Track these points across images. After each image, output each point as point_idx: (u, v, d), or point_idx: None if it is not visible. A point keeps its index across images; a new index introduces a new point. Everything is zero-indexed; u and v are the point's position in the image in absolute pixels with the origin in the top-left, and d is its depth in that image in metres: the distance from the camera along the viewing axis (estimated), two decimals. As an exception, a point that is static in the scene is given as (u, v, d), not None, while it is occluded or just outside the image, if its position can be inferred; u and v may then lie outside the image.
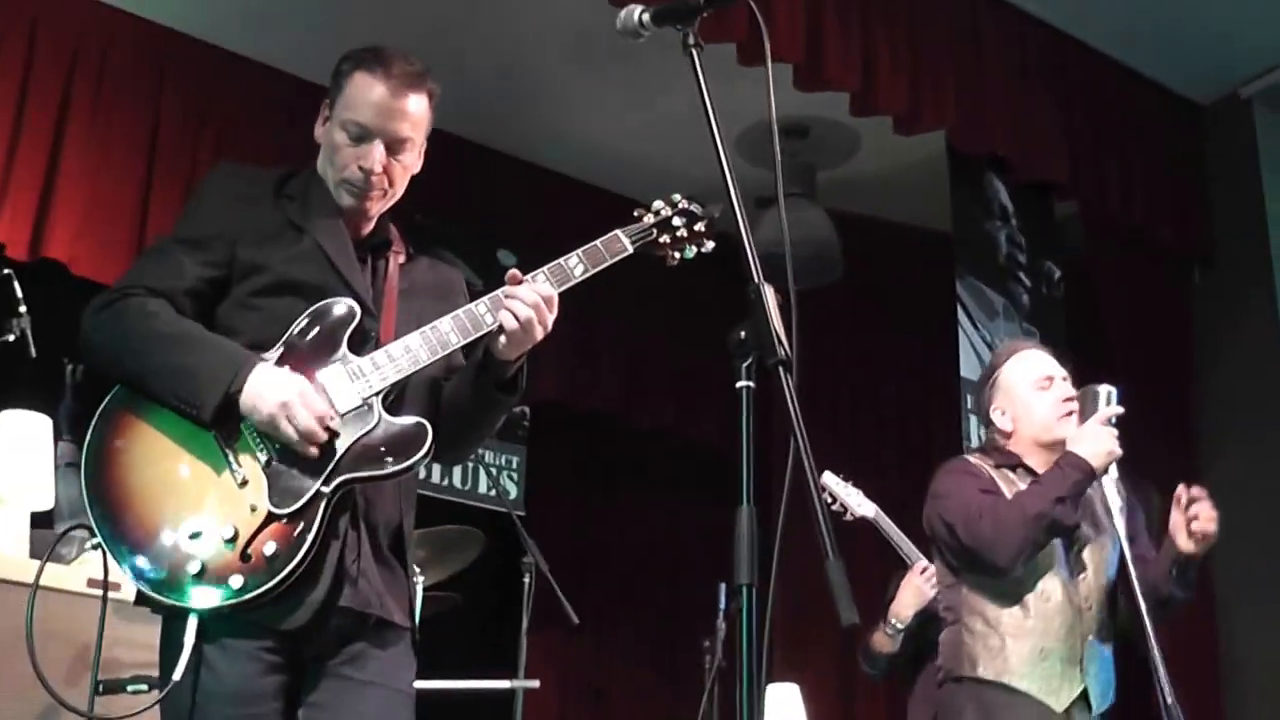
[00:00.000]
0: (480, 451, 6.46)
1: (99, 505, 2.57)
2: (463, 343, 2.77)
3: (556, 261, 2.92)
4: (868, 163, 7.36)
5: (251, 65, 6.68)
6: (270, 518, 2.56)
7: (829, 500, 5.05)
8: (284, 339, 2.71)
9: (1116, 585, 3.83)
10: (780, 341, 2.12)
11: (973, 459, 4.00)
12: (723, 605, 5.70)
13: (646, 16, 2.54)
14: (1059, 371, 3.98)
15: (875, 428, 7.85)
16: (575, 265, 2.94)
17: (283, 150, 6.15)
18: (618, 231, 3.03)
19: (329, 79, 2.95)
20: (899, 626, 4.98)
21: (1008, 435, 3.98)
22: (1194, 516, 3.70)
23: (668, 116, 6.49)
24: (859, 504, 5.10)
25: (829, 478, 5.10)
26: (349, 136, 2.86)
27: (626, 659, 8.12)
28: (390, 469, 2.64)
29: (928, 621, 4.85)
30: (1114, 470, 3.72)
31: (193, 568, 2.50)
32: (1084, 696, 3.70)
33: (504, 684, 5.12)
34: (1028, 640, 3.69)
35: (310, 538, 2.56)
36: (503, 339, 2.77)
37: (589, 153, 7.51)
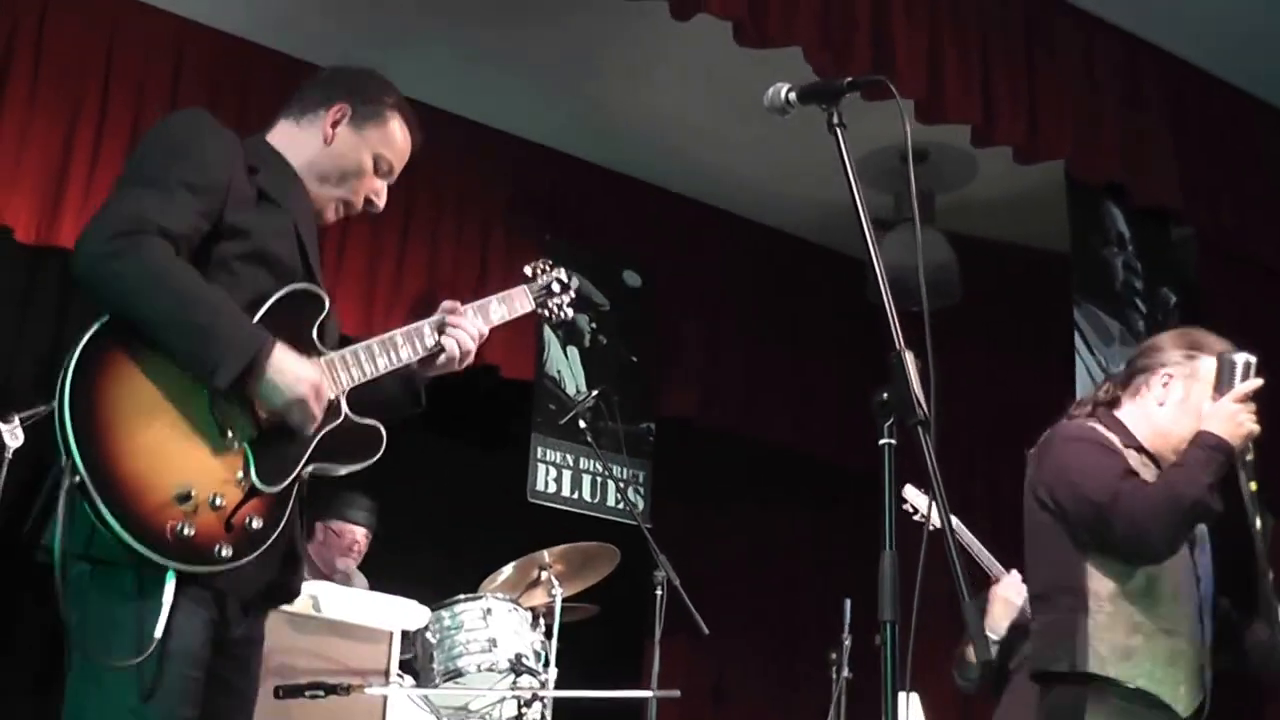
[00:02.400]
0: (609, 466, 6.77)
1: (88, 446, 2.50)
2: (410, 360, 3.04)
3: (480, 303, 3.22)
4: (986, 186, 7.51)
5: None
6: (253, 492, 2.66)
7: (910, 510, 5.16)
8: (262, 313, 2.76)
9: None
10: (919, 404, 2.37)
11: (1099, 428, 3.65)
12: (848, 619, 5.90)
13: (793, 95, 2.74)
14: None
15: (988, 450, 8.02)
16: (496, 309, 3.25)
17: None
18: (523, 288, 3.37)
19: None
20: (993, 639, 4.97)
21: (1160, 405, 3.66)
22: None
23: (790, 141, 6.67)
24: (935, 519, 5.21)
25: (910, 490, 5.13)
26: (375, 169, 3.09)
27: (747, 667, 8.36)
28: (350, 465, 2.90)
29: (1016, 631, 4.93)
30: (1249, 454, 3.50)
31: (186, 530, 2.53)
32: (1203, 706, 3.50)
33: (645, 694, 5.34)
34: (1163, 641, 3.46)
35: (285, 516, 2.71)
36: (441, 359, 3.09)
37: (713, 178, 7.77)
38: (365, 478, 6.46)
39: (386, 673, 4.46)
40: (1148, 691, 3.42)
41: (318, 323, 2.86)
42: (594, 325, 7.53)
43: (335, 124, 3.03)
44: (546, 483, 7.19)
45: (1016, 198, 7.42)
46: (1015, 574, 4.86)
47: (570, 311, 3.47)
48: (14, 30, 6.06)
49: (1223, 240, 6.89)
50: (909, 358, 2.43)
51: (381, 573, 6.30)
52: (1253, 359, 3.55)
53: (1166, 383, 3.68)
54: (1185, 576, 3.55)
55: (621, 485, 7.15)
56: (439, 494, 7.33)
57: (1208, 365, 3.64)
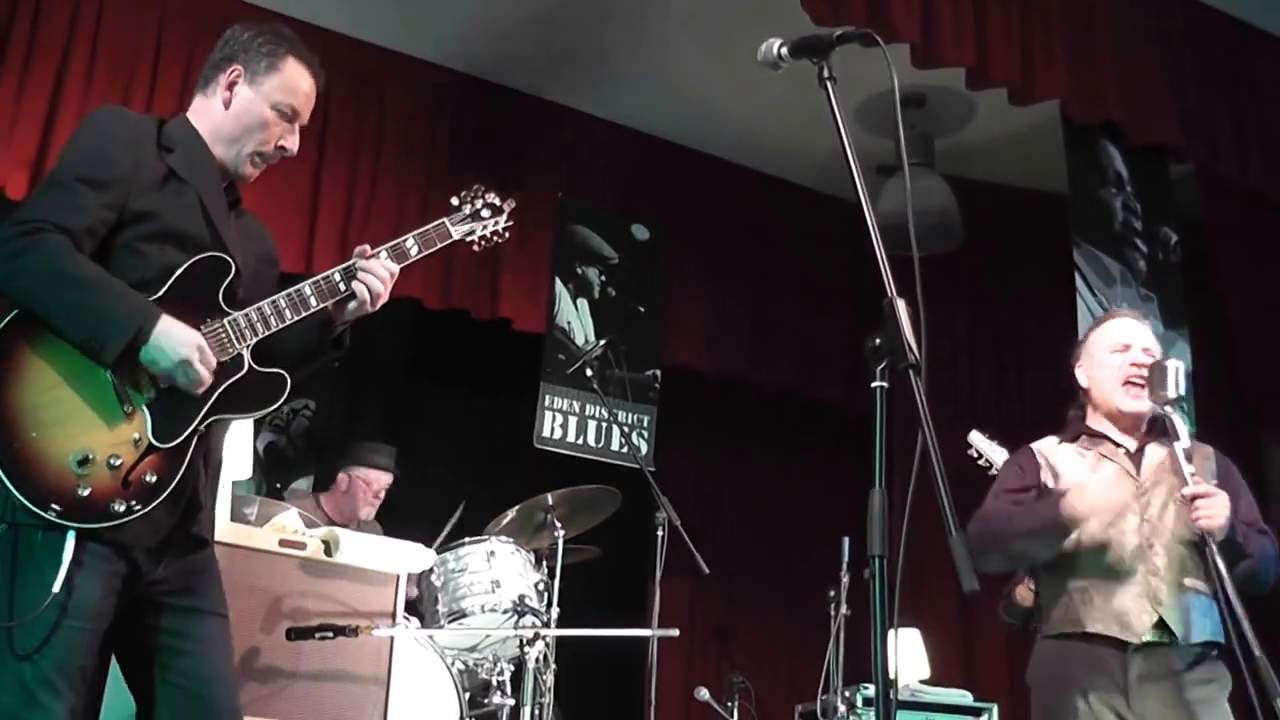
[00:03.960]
0: (614, 411, 6.87)
1: None
2: (319, 307, 3.15)
3: (394, 243, 3.29)
4: (984, 128, 7.56)
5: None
6: (150, 449, 2.89)
7: (975, 455, 5.27)
8: (168, 286, 2.98)
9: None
10: (911, 349, 2.46)
11: (1043, 443, 4.19)
12: (846, 558, 6.02)
13: (785, 50, 2.82)
14: (1141, 341, 4.09)
15: (995, 391, 8.11)
16: (411, 246, 3.31)
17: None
18: (445, 220, 3.40)
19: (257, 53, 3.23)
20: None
21: (1085, 390, 4.16)
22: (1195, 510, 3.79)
23: (797, 94, 6.70)
24: (1003, 460, 5.31)
25: (976, 436, 5.24)
26: (280, 116, 3.22)
27: (751, 607, 8.49)
28: (253, 412, 3.09)
29: None
30: (1186, 440, 3.84)
31: (82, 490, 2.80)
32: (1164, 627, 3.82)
33: (644, 632, 5.43)
34: (1093, 589, 3.89)
35: (182, 469, 2.92)
36: (352, 304, 3.20)
37: (714, 127, 7.82)
38: (382, 426, 6.59)
39: (393, 615, 4.55)
40: (1090, 632, 3.87)
41: (223, 286, 3.07)
42: (604, 278, 7.66)
43: (231, 86, 3.21)
44: (553, 429, 7.30)
45: (1015, 139, 7.47)
46: None
47: (506, 234, 3.53)
48: (75, 12, 6.37)
49: (1223, 176, 6.89)
50: (901, 305, 2.50)
51: (393, 517, 6.42)
52: (1181, 365, 3.95)
53: (1083, 370, 4.20)
54: (1120, 528, 3.94)
55: (626, 430, 7.26)
56: (450, 443, 7.48)
57: (1093, 336, 4.20)
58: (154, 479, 2.89)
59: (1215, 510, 3.74)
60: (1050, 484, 4.06)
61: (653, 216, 7.88)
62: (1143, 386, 3.99)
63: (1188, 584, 3.89)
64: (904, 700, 5.91)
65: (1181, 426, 3.86)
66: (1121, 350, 4.07)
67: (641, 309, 7.75)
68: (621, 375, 6.69)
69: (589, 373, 6.18)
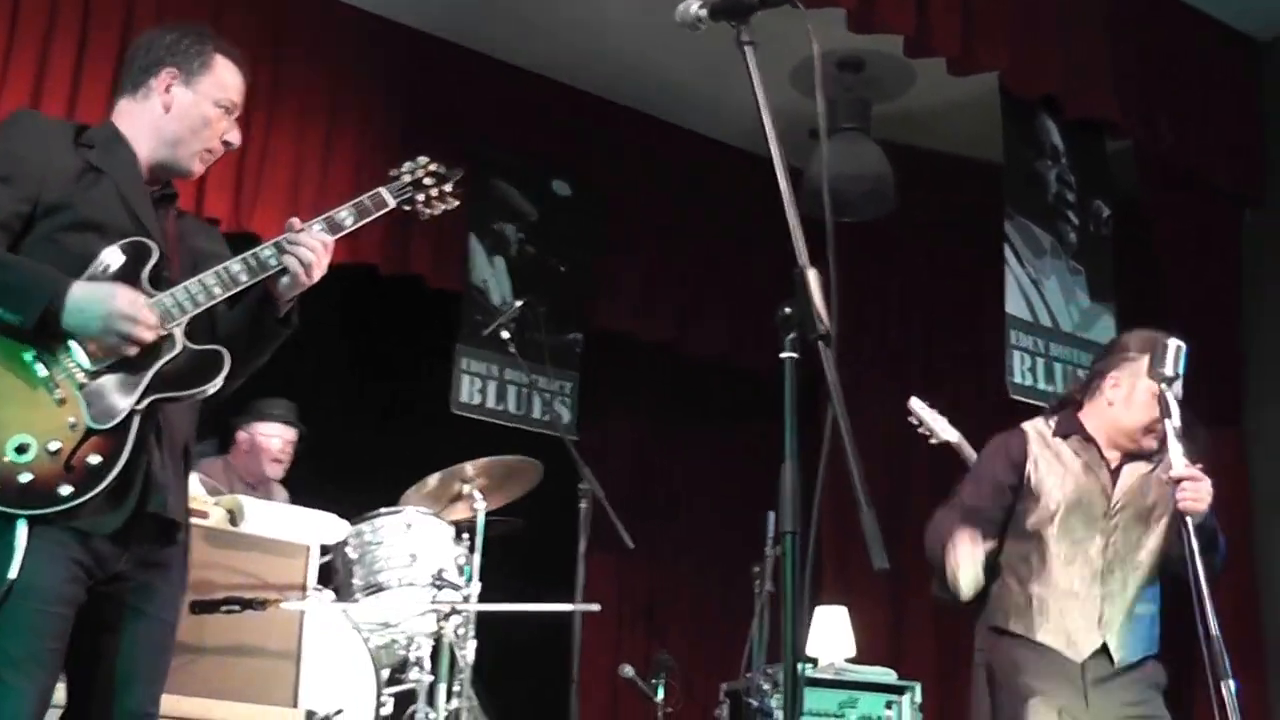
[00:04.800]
0: (533, 377, 6.85)
1: None
2: (251, 282, 3.19)
3: (328, 214, 3.34)
4: (923, 95, 7.60)
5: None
6: (90, 432, 2.93)
7: (915, 423, 5.32)
8: (88, 272, 3.03)
9: (1164, 540, 4.22)
10: (821, 319, 2.48)
11: (1037, 428, 4.38)
12: (771, 533, 6.06)
13: (703, 11, 2.82)
14: (1174, 390, 4.02)
15: (926, 357, 8.21)
16: (345, 217, 3.36)
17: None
18: (381, 189, 3.45)
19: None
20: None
21: (1110, 405, 4.26)
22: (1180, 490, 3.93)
23: (731, 50, 6.70)
24: (943, 429, 5.29)
25: (916, 403, 5.32)
26: (224, 113, 3.33)
27: (679, 582, 8.56)
28: (193, 390, 3.08)
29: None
30: (1178, 418, 3.94)
31: (23, 477, 2.85)
32: (1106, 651, 4.12)
33: (566, 607, 5.48)
34: (1050, 600, 4.14)
35: (127, 450, 2.95)
36: (285, 279, 3.22)
37: (644, 83, 7.79)
38: (284, 387, 6.53)
39: (304, 587, 4.55)
40: (1040, 642, 4.14)
41: (147, 270, 3.09)
42: (521, 235, 7.57)
43: (168, 89, 3.28)
44: (471, 394, 7.27)
45: (955, 107, 7.51)
46: None
47: (454, 202, 3.59)
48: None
49: (1160, 154, 7.00)
50: (812, 274, 2.52)
51: (302, 487, 6.38)
52: (1183, 346, 4.04)
53: (1115, 384, 4.28)
54: (1087, 538, 4.20)
55: (547, 397, 7.23)
56: (361, 406, 7.41)
57: (1143, 364, 4.17)
58: (98, 460, 2.92)
59: (1201, 494, 3.91)
60: (1032, 476, 4.27)
61: (575, 172, 7.82)
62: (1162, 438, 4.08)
63: (1139, 611, 4.18)
64: (827, 679, 5.97)
65: (1174, 406, 3.96)
66: (1158, 404, 4.04)
67: (563, 268, 7.71)
68: (542, 339, 6.63)
69: (506, 335, 6.17)
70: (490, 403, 7.34)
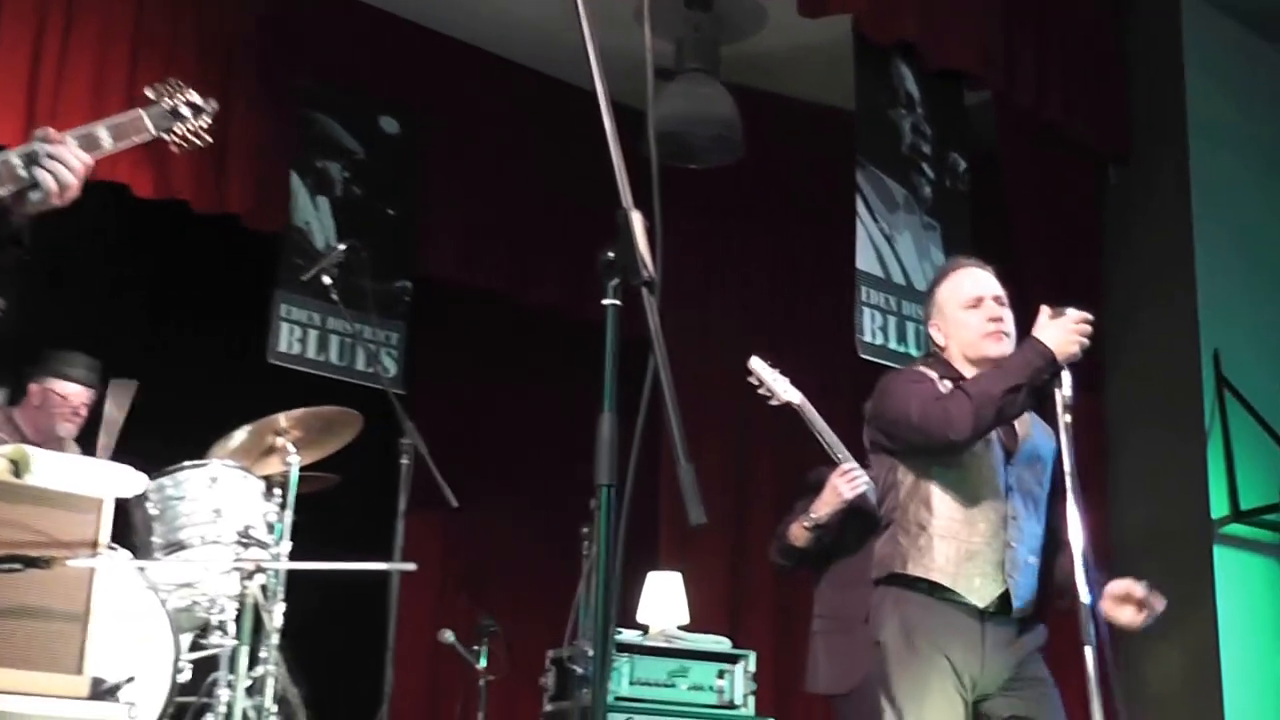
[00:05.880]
0: (357, 326, 6.75)
1: None
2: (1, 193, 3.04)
3: (87, 130, 3.17)
4: (774, 38, 7.61)
5: None
6: None
7: (755, 383, 5.34)
8: None
9: (1051, 499, 4.25)
10: (645, 264, 2.47)
11: (920, 367, 4.38)
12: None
13: None
14: (990, 291, 4.29)
15: (773, 309, 8.24)
16: (104, 137, 3.20)
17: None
18: (140, 112, 3.33)
19: None
20: (817, 522, 5.25)
21: (943, 348, 4.34)
22: (1133, 615, 4.10)
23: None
24: (785, 390, 5.35)
25: (756, 363, 5.36)
26: None
27: (506, 543, 8.55)
28: None
29: (847, 520, 5.21)
30: (1069, 389, 4.02)
31: None
32: (1005, 599, 4.12)
33: (379, 566, 5.44)
34: (953, 541, 4.11)
35: None
36: (35, 194, 3.04)
37: (478, 16, 7.72)
38: (84, 334, 6.35)
39: (95, 544, 4.44)
40: (941, 585, 4.10)
41: None
42: (346, 174, 7.45)
43: None
44: (290, 343, 7.14)
45: (807, 51, 7.54)
46: (853, 465, 5.15)
47: (208, 139, 3.47)
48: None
49: (1021, 108, 7.10)
50: (636, 216, 2.50)
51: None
52: (1090, 317, 4.06)
53: (935, 326, 4.39)
54: (988, 485, 4.19)
55: (372, 347, 7.15)
56: (168, 354, 7.25)
57: (940, 292, 4.37)
58: None
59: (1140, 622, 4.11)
60: None
61: (404, 109, 7.71)
62: (1004, 336, 4.21)
63: (1031, 560, 4.19)
64: (658, 646, 6.00)
65: (1067, 373, 4.03)
66: (975, 305, 4.27)
67: (391, 211, 7.60)
68: (368, 285, 6.51)
69: (328, 280, 6.09)
70: (311, 353, 7.22)
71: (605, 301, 2.52)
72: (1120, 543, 7.05)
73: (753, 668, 6.07)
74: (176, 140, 3.39)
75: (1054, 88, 7.10)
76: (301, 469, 5.70)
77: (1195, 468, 6.95)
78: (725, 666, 6.03)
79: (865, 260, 6.49)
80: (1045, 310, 4.08)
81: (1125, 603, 4.10)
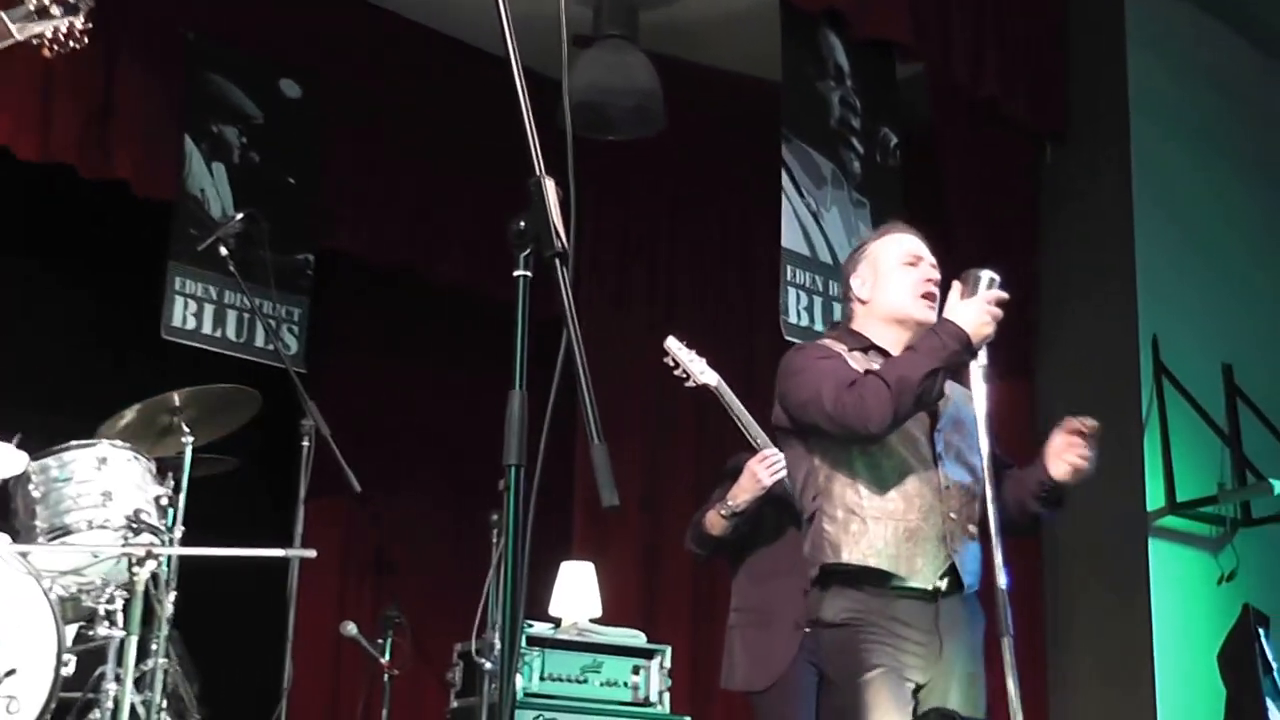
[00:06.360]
0: (257, 301, 6.72)
1: None
2: None
3: None
4: (697, 4, 7.61)
5: None
6: None
7: (671, 364, 5.35)
8: None
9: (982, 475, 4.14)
10: (558, 234, 2.50)
11: (825, 342, 4.34)
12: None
13: None
14: (930, 258, 4.31)
15: (695, 287, 8.30)
16: None
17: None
18: (2, 14, 3.33)
19: None
20: (734, 510, 5.26)
21: (864, 303, 4.29)
22: (1078, 448, 4.11)
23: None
24: (701, 372, 5.36)
25: (672, 343, 5.38)
26: None
27: (414, 530, 8.55)
28: None
29: (766, 509, 5.23)
30: (984, 357, 4.05)
31: None
32: (954, 576, 4.07)
33: (276, 552, 5.42)
34: (889, 522, 4.02)
35: None
36: None
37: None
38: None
39: (-31, 528, 4.42)
40: (880, 569, 4.03)
41: None
42: (244, 140, 7.39)
43: None
44: (185, 318, 7.08)
45: (732, 19, 7.55)
46: (773, 451, 5.11)
47: (84, 40, 3.43)
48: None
49: (955, 82, 7.12)
50: (549, 184, 2.53)
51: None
52: (997, 276, 4.09)
53: (861, 279, 4.34)
54: (916, 456, 4.14)
55: (272, 323, 7.10)
56: (54, 327, 7.19)
57: (875, 246, 4.36)
58: None
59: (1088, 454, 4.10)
60: None
61: (307, 73, 7.65)
62: (934, 304, 4.19)
63: (971, 530, 4.15)
64: (570, 640, 6.03)
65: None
66: (914, 263, 4.26)
67: (292, 180, 7.55)
68: (267, 258, 6.47)
69: (225, 251, 6.06)
70: (207, 328, 7.17)
71: (516, 273, 2.54)
72: (1050, 535, 7.12)
73: (669, 663, 6.11)
74: (48, 42, 3.33)
75: (990, 61, 7.11)
76: (196, 450, 5.67)
77: (1131, 458, 6.96)
78: (640, 662, 6.07)
79: (790, 238, 6.51)
80: (957, 286, 4.07)
81: (1067, 449, 4.10)
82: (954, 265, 6.82)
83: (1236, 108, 7.89)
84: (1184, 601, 6.94)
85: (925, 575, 4.05)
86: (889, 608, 4.03)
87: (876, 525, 4.03)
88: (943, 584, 4.07)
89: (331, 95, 7.72)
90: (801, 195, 6.58)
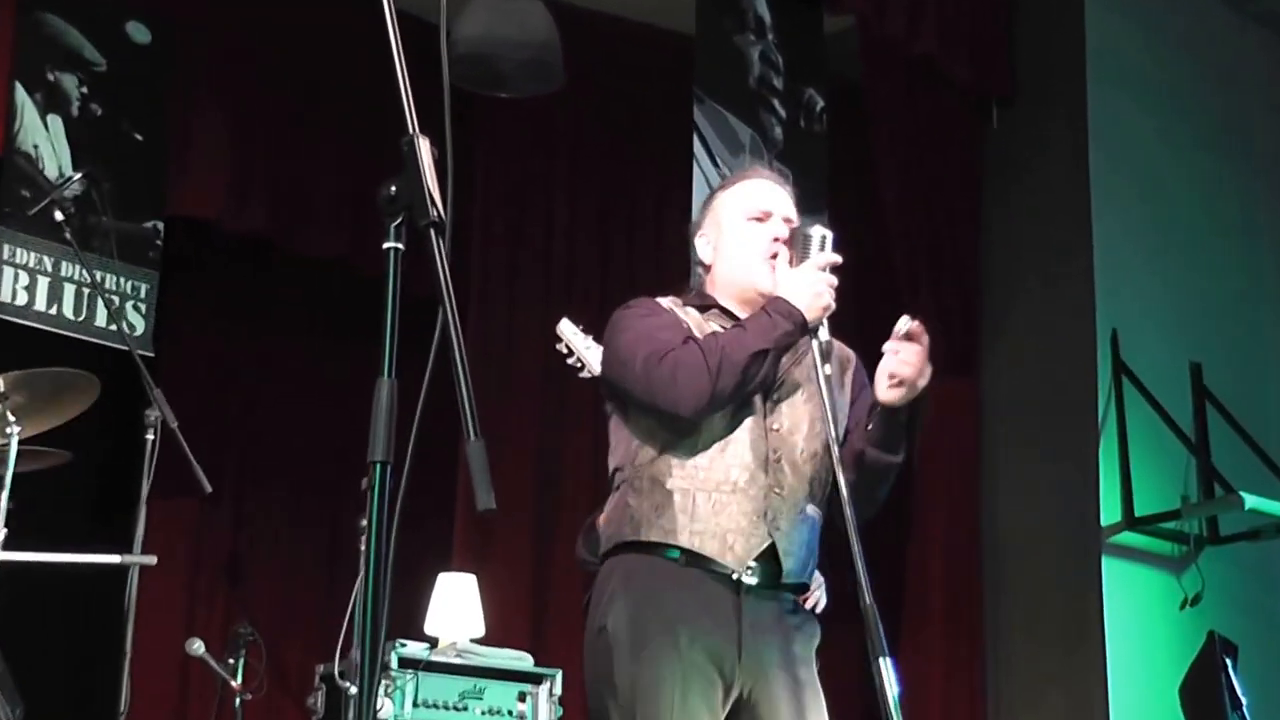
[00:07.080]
0: (98, 274, 6.63)
1: None
2: None
3: None
4: (602, -52, 7.64)
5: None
6: None
7: (565, 352, 5.32)
8: None
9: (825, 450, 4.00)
10: (433, 201, 2.48)
11: (660, 299, 4.18)
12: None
13: None
14: (783, 210, 4.10)
15: (593, 263, 8.29)
16: None
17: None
18: None
19: None
20: None
21: (707, 268, 4.20)
22: (896, 353, 3.88)
23: None
24: (597, 361, 5.36)
25: (565, 327, 5.32)
26: None
27: (273, 536, 8.50)
28: None
29: None
30: (825, 330, 3.91)
31: None
32: (772, 557, 3.91)
33: (112, 559, 5.36)
34: (700, 494, 3.90)
35: None
36: None
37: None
38: None
39: None
40: (687, 549, 3.89)
41: None
42: (84, 90, 7.29)
43: None
44: (15, 292, 7.00)
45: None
46: None
47: None
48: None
49: (889, 38, 7.17)
50: (424, 145, 2.52)
51: None
52: (829, 233, 3.97)
53: (704, 238, 4.24)
54: (744, 424, 4.00)
55: (115, 300, 7.05)
56: None
57: (721, 198, 4.25)
58: None
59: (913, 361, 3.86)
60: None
61: (158, 15, 7.52)
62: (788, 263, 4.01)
63: (809, 511, 4.01)
64: (449, 662, 6.03)
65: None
66: (761, 219, 4.09)
67: (139, 136, 7.43)
68: (110, 225, 6.41)
69: (60, 216, 5.98)
70: (40, 304, 7.09)
71: (386, 245, 2.52)
72: (994, 552, 7.18)
73: (559, 689, 6.13)
74: None
75: (928, 14, 7.17)
76: (23, 442, 5.60)
77: (1085, 467, 7.03)
78: (527, 687, 6.09)
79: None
80: (783, 252, 3.98)
81: (901, 372, 3.89)
82: (887, 245, 6.90)
83: (1205, 70, 7.93)
84: (1142, 628, 6.98)
85: (737, 556, 3.89)
86: (685, 590, 3.87)
87: (684, 497, 3.91)
88: (754, 574, 3.90)
89: (185, 41, 7.60)
90: (715, 162, 6.59)
